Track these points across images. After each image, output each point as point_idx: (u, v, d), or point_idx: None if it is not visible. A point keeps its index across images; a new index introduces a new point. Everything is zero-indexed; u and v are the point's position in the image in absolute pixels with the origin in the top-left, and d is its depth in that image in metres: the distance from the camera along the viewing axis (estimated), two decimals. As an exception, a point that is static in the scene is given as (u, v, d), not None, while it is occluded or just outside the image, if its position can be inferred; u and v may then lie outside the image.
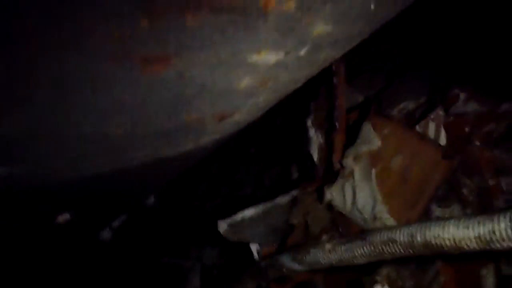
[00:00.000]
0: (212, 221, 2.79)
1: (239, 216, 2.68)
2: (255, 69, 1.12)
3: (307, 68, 1.33)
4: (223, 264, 4.00)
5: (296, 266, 2.30)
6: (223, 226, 2.68)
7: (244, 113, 1.41)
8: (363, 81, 2.73)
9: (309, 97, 2.89)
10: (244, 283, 2.86)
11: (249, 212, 2.69)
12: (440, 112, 2.16)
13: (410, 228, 1.67)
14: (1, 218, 2.07)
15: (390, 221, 2.19)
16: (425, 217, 2.16)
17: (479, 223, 1.47)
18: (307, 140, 2.83)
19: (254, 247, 2.96)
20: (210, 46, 0.98)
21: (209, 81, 1.11)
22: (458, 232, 1.53)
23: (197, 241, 4.04)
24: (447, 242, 1.55)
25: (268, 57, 1.08)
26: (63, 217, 2.02)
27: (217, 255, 4.06)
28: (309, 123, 2.79)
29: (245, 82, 1.16)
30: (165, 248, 4.30)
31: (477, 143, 2.02)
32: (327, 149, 2.63)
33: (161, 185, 3.18)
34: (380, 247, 1.80)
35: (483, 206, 2.04)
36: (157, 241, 4.28)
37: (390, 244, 1.75)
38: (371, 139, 2.30)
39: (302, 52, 1.12)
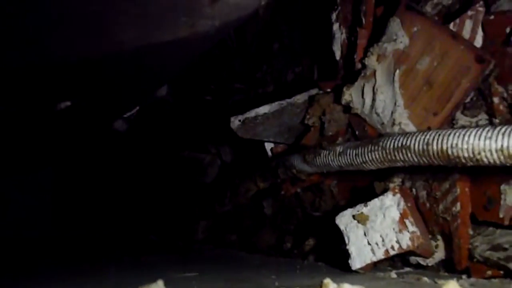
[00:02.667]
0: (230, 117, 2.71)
1: (253, 112, 2.58)
2: None
3: None
4: (240, 161, 3.99)
5: (306, 167, 2.22)
6: (235, 122, 2.59)
7: (242, -4, 1.23)
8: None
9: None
10: (255, 182, 2.82)
11: (263, 109, 2.58)
12: (480, 9, 1.91)
13: (426, 135, 1.53)
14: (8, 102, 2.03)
15: (410, 127, 2.05)
16: (449, 125, 2.00)
17: (503, 134, 1.31)
18: (330, 35, 2.62)
19: (268, 146, 2.89)
20: None
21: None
22: (479, 143, 1.38)
23: (215, 137, 4.00)
24: (465, 153, 1.42)
25: None
26: (64, 104, 1.95)
27: (234, 152, 4.04)
28: (333, 17, 2.57)
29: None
30: (184, 141, 4.29)
31: (517, 46, 1.79)
32: (350, 46, 2.43)
33: (172, 76, 3.07)
34: (392, 154, 1.69)
35: (515, 118, 1.86)
36: (174, 133, 4.27)
37: (404, 150, 1.63)
38: (399, 36, 2.09)
39: None
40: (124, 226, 4.92)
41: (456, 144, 1.43)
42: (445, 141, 1.46)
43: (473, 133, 1.40)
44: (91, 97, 2.17)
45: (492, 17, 1.89)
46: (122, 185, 4.88)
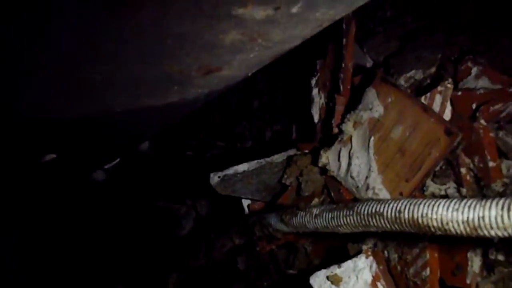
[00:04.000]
0: (208, 172, 2.76)
1: (231, 170, 2.64)
2: (242, 24, 1.03)
3: (302, 27, 1.23)
4: (216, 215, 4.02)
5: (282, 227, 2.27)
6: (214, 179, 2.65)
7: (233, 69, 1.33)
8: (374, 44, 2.61)
9: (316, 55, 2.78)
10: (231, 238, 2.85)
11: (242, 167, 2.65)
12: (449, 85, 2.05)
13: (399, 203, 1.60)
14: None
15: (383, 192, 2.13)
16: (420, 192, 2.10)
17: (469, 207, 1.40)
18: (309, 99, 2.74)
19: (245, 203, 2.94)
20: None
21: (191, 33, 1.02)
22: (447, 214, 1.46)
23: (192, 190, 4.04)
24: (434, 223, 1.49)
25: (256, 11, 0.98)
26: (49, 156, 1.99)
27: (210, 205, 4.07)
28: (313, 82, 2.70)
29: (231, 36, 1.07)
30: (160, 193, 4.31)
31: (483, 122, 1.92)
32: (328, 111, 2.55)
33: (155, 132, 3.13)
34: (366, 219, 1.75)
35: (480, 188, 1.96)
36: (152, 186, 4.29)
37: (377, 217, 1.69)
38: (374, 105, 2.21)
39: (295, 9, 1.02)
40: (95, 275, 4.81)
41: (426, 214, 1.50)
42: (416, 210, 1.54)
43: (442, 204, 1.49)
44: (73, 150, 2.21)
45: (459, 93, 2.04)
46: (97, 234, 4.81)
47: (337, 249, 2.41)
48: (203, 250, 3.40)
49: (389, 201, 1.66)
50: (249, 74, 1.60)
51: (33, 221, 4.52)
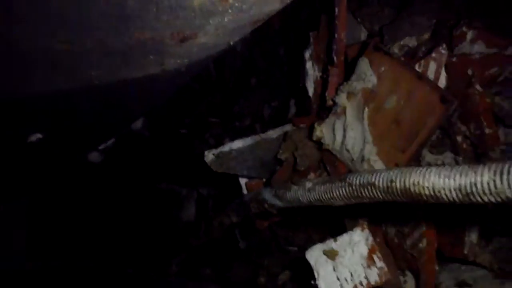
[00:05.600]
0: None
1: (227, 147, 2.60)
2: (209, -19, 0.97)
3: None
4: (217, 194, 4.00)
5: (276, 202, 2.24)
6: (209, 156, 2.61)
7: (210, 35, 1.27)
8: (368, 13, 2.54)
9: (310, 28, 2.72)
10: (229, 215, 2.83)
11: (237, 144, 2.61)
12: (443, 51, 1.98)
13: (390, 173, 1.56)
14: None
15: (379, 164, 2.09)
16: (416, 162, 2.05)
17: (461, 174, 1.35)
18: (304, 73, 2.69)
19: (243, 181, 2.90)
20: None
21: (154, -8, 0.97)
22: (439, 181, 1.42)
23: (193, 170, 4.01)
24: (426, 191, 1.45)
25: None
26: (35, 136, 1.95)
27: (212, 186, 4.05)
28: (307, 55, 2.64)
29: (200, -3, 1.02)
30: (161, 173, 4.29)
31: (478, 87, 1.86)
32: (323, 84, 2.49)
33: (146, 110, 3.09)
34: (359, 190, 1.71)
35: (477, 156, 1.92)
36: (151, 166, 4.27)
37: (369, 187, 1.65)
38: (367, 76, 2.15)
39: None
40: (101, 258, 4.83)
41: (418, 182, 1.46)
42: (407, 178, 1.50)
43: (433, 171, 1.44)
44: (63, 130, 2.17)
45: (454, 59, 1.97)
46: (99, 216, 4.82)
47: (335, 225, 2.38)
48: (203, 229, 3.39)
49: (381, 171, 1.62)
50: (231, 43, 1.54)
51: (38, 201, 4.54)
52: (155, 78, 1.50)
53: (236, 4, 1.12)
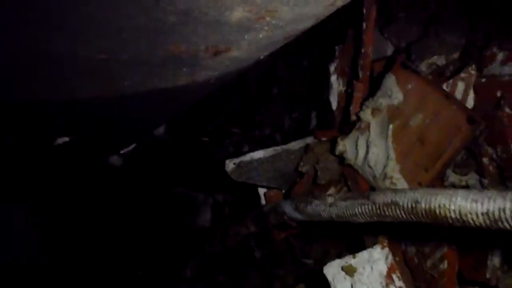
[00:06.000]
0: (225, 158, 2.73)
1: (248, 156, 2.60)
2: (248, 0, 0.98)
3: (313, 5, 1.17)
4: (233, 202, 4.00)
5: (297, 215, 2.23)
6: (230, 165, 2.61)
7: (243, 50, 1.28)
8: (396, 30, 2.52)
9: (336, 40, 2.71)
10: (246, 225, 2.83)
11: (258, 154, 2.61)
12: (472, 72, 1.96)
13: (416, 193, 1.55)
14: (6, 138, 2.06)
15: (401, 182, 2.07)
16: (439, 182, 2.03)
17: (489, 198, 1.33)
18: (328, 86, 2.68)
19: (262, 191, 2.90)
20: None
21: (194, 9, 0.98)
22: (466, 205, 1.40)
23: (210, 176, 4.02)
24: (452, 214, 1.43)
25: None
26: (62, 139, 1.98)
27: (228, 193, 4.05)
28: (332, 68, 2.63)
29: (238, 14, 1.02)
30: (178, 179, 4.31)
31: (508, 110, 1.84)
32: (347, 98, 2.48)
33: (169, 116, 3.11)
34: (382, 209, 1.70)
35: (503, 179, 1.89)
36: (169, 171, 4.29)
37: (393, 207, 1.64)
38: (393, 92, 2.14)
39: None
40: (113, 259, 4.86)
41: (444, 204, 1.44)
42: (433, 200, 1.48)
43: (460, 194, 1.42)
44: (88, 134, 2.20)
45: (483, 80, 1.95)
46: (115, 218, 4.85)
47: (354, 240, 2.36)
48: (218, 237, 3.39)
49: (406, 191, 1.60)
50: (261, 57, 1.54)
51: (56, 201, 4.59)
52: (184, 89, 1.52)
53: (273, 22, 1.12)
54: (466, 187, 1.98)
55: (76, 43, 1.06)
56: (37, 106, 1.64)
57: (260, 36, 1.21)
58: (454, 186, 2.02)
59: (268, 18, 1.10)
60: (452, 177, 2.03)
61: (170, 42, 1.13)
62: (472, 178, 1.98)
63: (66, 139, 1.98)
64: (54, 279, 3.94)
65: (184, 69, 1.34)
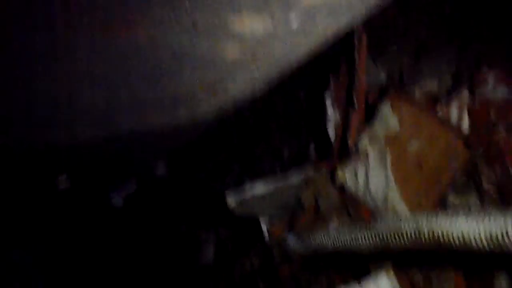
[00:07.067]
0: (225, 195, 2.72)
1: (249, 193, 2.59)
2: (242, 40, 1.00)
3: (305, 41, 1.20)
4: (237, 238, 3.96)
5: (301, 248, 2.22)
6: (232, 201, 2.61)
7: (239, 85, 1.30)
8: (388, 61, 2.56)
9: (330, 68, 2.74)
10: (251, 261, 2.80)
11: (260, 189, 2.60)
12: (465, 95, 1.99)
13: (418, 220, 1.54)
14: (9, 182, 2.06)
15: (402, 208, 2.07)
16: (440, 205, 2.03)
17: (490, 220, 1.33)
18: (325, 116, 2.70)
19: (264, 224, 2.89)
20: (181, 8, 0.87)
21: (189, 50, 1.00)
22: (469, 228, 1.39)
23: (212, 214, 4.00)
24: (456, 241, 1.43)
25: (254, 25, 0.96)
26: (64, 184, 1.98)
27: (231, 228, 4.02)
28: (327, 98, 2.66)
29: (232, 53, 1.05)
30: (180, 217, 4.29)
31: (503, 132, 1.85)
32: (344, 128, 2.50)
33: (168, 155, 3.12)
34: (385, 239, 1.69)
35: (504, 200, 1.89)
36: (171, 210, 4.27)
37: (396, 237, 1.64)
38: (389, 120, 2.16)
39: (295, 24, 0.99)
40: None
41: (447, 231, 1.44)
42: (435, 227, 1.48)
43: (463, 218, 1.42)
44: (87, 175, 2.20)
45: (477, 103, 1.97)
46: (118, 259, 4.81)
47: (360, 269, 2.33)
48: (223, 275, 3.35)
49: (408, 218, 1.60)
50: (257, 90, 1.56)
51: (61, 245, 4.56)
52: (183, 127, 1.53)
53: (267, 60, 1.15)
54: (468, 209, 1.98)
55: (76, 87, 1.08)
56: (39, 151, 1.65)
57: (255, 73, 1.23)
58: (456, 209, 2.01)
59: (261, 57, 1.12)
60: (454, 200, 2.03)
61: (167, 84, 1.14)
62: (472, 200, 1.98)
63: (68, 183, 1.98)
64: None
65: (182, 108, 1.35)
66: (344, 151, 2.44)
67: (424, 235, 1.50)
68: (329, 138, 2.64)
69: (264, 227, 2.85)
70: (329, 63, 3.06)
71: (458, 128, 1.96)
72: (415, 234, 1.52)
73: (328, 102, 2.69)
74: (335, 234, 1.94)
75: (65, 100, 1.17)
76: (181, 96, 1.23)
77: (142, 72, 1.07)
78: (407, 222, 1.57)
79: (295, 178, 2.65)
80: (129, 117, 1.41)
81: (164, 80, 1.13)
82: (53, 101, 1.17)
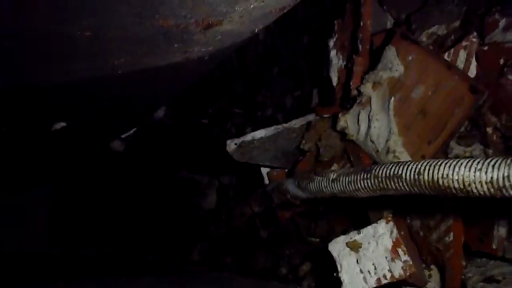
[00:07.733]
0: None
1: (249, 136, 2.57)
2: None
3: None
4: (238, 183, 3.98)
5: (299, 193, 2.21)
6: (231, 146, 2.59)
7: (235, 22, 1.24)
8: (395, 2, 2.47)
9: (335, 15, 2.66)
10: (250, 205, 2.81)
11: (259, 133, 2.58)
12: (474, 39, 1.92)
13: (418, 165, 1.52)
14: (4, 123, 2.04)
15: (404, 155, 2.04)
16: (443, 154, 2.00)
17: (493, 166, 1.30)
18: (328, 62, 2.64)
19: (265, 171, 2.88)
20: None
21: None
22: (469, 174, 1.37)
23: (214, 159, 4.00)
24: (456, 184, 1.40)
25: None
26: (59, 125, 1.96)
27: (233, 175, 4.03)
28: (331, 44, 2.59)
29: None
30: (182, 162, 4.30)
31: (511, 77, 1.79)
32: (347, 73, 2.44)
33: (168, 99, 3.07)
34: (384, 182, 1.67)
35: (508, 148, 1.86)
36: (172, 155, 4.27)
37: (396, 179, 1.61)
38: (394, 65, 2.10)
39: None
40: (121, 245, 4.88)
41: (447, 175, 1.41)
42: (436, 171, 1.45)
43: (464, 164, 1.39)
44: (85, 118, 2.17)
45: (486, 48, 1.91)
46: (120, 204, 4.86)
47: (359, 216, 2.34)
48: (224, 219, 3.38)
49: (408, 163, 1.57)
50: (256, 30, 1.50)
51: (60, 189, 4.60)
52: (178, 67, 1.48)
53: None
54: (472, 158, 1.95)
55: (59, 20, 1.03)
56: (29, 90, 1.61)
57: (251, 7, 1.17)
58: (458, 157, 1.98)
59: (258, -14, 1.06)
60: (456, 149, 2.00)
61: (157, 16, 1.09)
62: (476, 149, 1.95)
63: (63, 124, 1.95)
64: (61, 266, 3.96)
65: (176, 45, 1.30)
66: (347, 97, 2.39)
67: (423, 178, 1.47)
68: (331, 84, 2.59)
69: (264, 173, 2.84)
70: (334, 8, 2.96)
71: (465, 73, 1.90)
72: (414, 178, 1.50)
73: (332, 47, 2.62)
74: (334, 179, 1.92)
75: (53, 34, 1.12)
76: (173, 32, 1.18)
77: (131, 5, 1.01)
78: (407, 166, 1.54)
79: (296, 124, 2.62)
80: (122, 58, 1.36)
81: (154, 13, 1.07)
82: (41, 35, 1.12)
